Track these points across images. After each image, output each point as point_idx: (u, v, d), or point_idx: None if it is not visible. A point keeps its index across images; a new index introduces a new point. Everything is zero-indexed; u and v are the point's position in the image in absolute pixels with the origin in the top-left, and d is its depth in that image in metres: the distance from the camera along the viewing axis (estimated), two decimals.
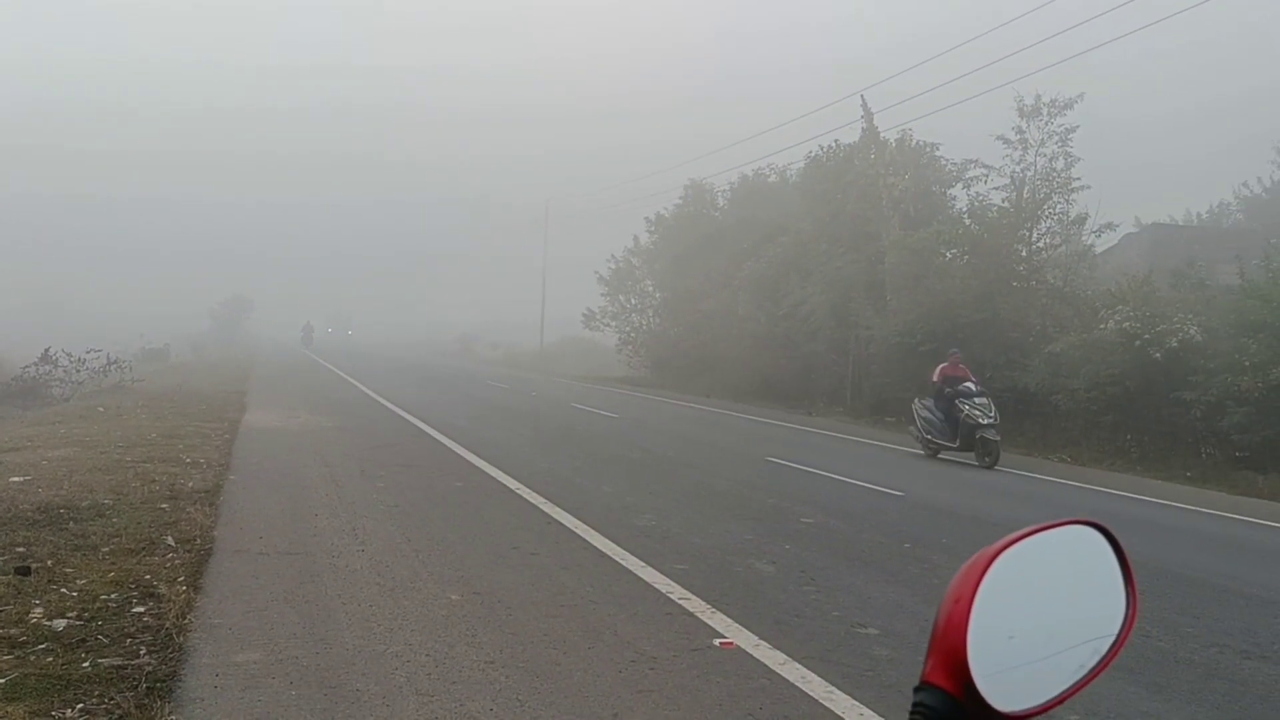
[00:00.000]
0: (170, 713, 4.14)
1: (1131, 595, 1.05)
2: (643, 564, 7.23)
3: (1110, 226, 22.76)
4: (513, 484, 10.72)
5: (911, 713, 0.92)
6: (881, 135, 27.74)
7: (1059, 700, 0.98)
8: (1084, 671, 0.99)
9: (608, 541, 7.96)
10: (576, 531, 8.37)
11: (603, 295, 42.79)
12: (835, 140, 29.94)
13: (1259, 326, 15.67)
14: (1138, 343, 17.05)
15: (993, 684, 0.91)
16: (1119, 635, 1.02)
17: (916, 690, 0.93)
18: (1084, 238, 22.94)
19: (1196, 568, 8.25)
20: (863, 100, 27.57)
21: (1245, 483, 14.31)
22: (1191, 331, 16.84)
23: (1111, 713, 4.72)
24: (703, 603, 6.27)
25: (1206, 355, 16.46)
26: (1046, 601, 1.00)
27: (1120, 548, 1.05)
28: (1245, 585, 7.70)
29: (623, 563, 7.30)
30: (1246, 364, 15.38)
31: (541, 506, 9.47)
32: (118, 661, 4.69)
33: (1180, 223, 36.85)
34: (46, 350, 24.11)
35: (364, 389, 25.99)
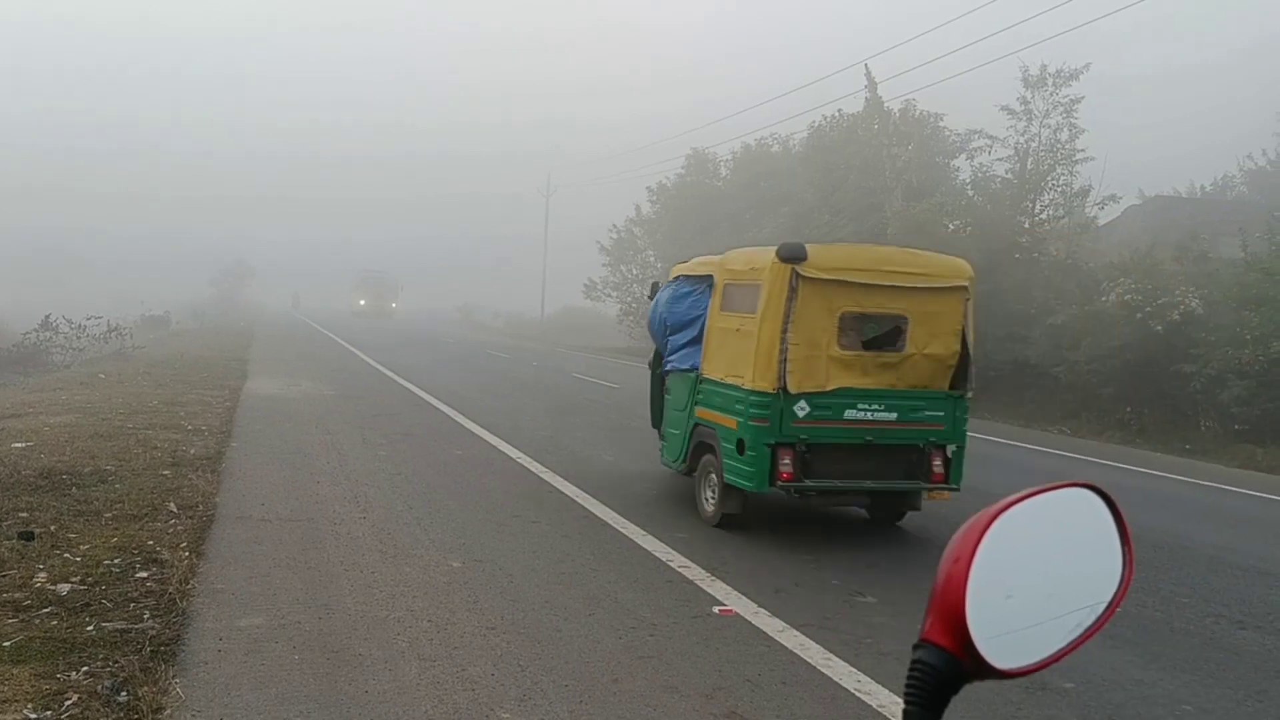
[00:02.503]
0: (174, 676, 4.18)
1: (1128, 558, 1.06)
2: (643, 532, 7.28)
3: (1113, 199, 22.69)
4: (514, 452, 10.75)
5: (910, 669, 0.94)
6: (885, 105, 27.54)
7: (1055, 658, 0.99)
8: (1080, 631, 1.01)
9: (608, 509, 8.00)
10: (577, 499, 8.41)
11: (604, 265, 42.62)
12: (839, 110, 29.73)
13: (1261, 300, 15.65)
14: (1139, 315, 17.04)
15: (991, 642, 0.93)
16: (1114, 597, 1.04)
17: (915, 648, 0.94)
18: (1087, 210, 22.86)
19: (1194, 539, 8.30)
20: (866, 70, 27.34)
21: (1244, 455, 14.34)
22: (1193, 304, 16.81)
23: (1107, 681, 4.77)
24: (702, 570, 6.32)
25: (1208, 328, 16.46)
26: (1044, 562, 1.01)
27: (1118, 511, 1.06)
28: (1242, 557, 7.74)
29: (623, 531, 7.35)
30: (1247, 337, 15.37)
31: (543, 475, 9.51)
32: (122, 625, 4.73)
33: (1184, 195, 36.69)
34: (47, 317, 24.11)
35: (366, 358, 25.99)
